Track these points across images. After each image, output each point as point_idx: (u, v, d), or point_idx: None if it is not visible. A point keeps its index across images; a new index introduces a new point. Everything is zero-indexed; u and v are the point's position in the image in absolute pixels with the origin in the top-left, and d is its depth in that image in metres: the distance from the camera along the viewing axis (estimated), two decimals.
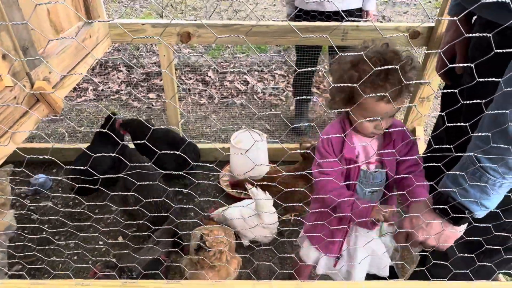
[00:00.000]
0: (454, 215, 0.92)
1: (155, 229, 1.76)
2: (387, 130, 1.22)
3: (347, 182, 1.28)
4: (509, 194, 0.87)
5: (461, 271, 1.08)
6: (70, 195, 2.45)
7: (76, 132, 3.14)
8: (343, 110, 1.07)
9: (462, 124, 0.81)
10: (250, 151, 2.34)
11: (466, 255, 1.15)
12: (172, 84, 2.43)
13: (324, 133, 1.32)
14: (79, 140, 3.06)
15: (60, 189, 2.55)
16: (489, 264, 1.13)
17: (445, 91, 1.42)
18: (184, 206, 2.33)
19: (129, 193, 1.80)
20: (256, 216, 1.92)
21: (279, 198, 1.49)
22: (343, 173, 1.29)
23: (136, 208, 1.75)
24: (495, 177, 0.81)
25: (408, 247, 1.11)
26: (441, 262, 1.21)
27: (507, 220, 0.98)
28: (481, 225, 0.94)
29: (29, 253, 1.97)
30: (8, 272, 1.63)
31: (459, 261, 1.28)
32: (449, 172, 0.91)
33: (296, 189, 1.28)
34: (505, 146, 0.75)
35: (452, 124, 0.83)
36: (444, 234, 0.98)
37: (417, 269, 1.17)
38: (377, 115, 1.12)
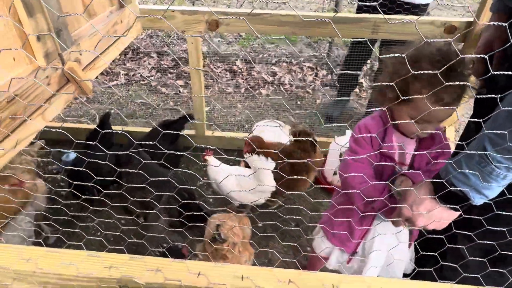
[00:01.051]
0: (454, 206, 0.94)
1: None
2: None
3: (378, 182, 1.22)
4: None
5: (472, 275, 1.04)
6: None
7: None
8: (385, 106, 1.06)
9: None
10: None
11: (479, 259, 1.11)
12: (198, 71, 2.46)
13: (362, 124, 1.28)
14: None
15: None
16: (504, 271, 1.08)
17: (479, 96, 1.34)
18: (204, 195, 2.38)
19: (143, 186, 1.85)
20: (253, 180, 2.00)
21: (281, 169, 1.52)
22: (377, 170, 1.24)
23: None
24: (500, 168, 0.81)
25: None
26: (451, 264, 1.18)
27: None
28: (498, 229, 0.91)
29: (56, 225, 2.08)
30: (34, 241, 1.73)
31: (472, 265, 1.24)
32: (454, 158, 0.91)
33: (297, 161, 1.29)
34: None
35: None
36: (442, 218, 1.00)
37: (424, 269, 1.13)
38: (427, 117, 1.03)
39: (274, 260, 2.03)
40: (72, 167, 2.28)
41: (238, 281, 0.73)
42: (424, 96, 0.90)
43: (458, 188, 0.89)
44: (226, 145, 2.79)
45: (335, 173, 2.41)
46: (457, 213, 0.98)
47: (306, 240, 2.12)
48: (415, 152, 1.21)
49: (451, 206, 0.95)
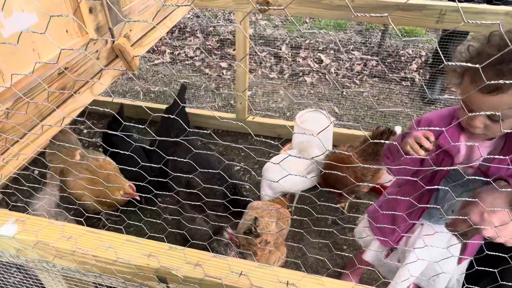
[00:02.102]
0: None
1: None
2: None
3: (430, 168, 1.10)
4: None
5: None
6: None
7: (150, 92, 3.30)
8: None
9: None
10: (314, 132, 2.24)
11: None
12: (244, 54, 2.39)
13: (425, 117, 1.19)
14: (152, 100, 3.21)
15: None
16: None
17: None
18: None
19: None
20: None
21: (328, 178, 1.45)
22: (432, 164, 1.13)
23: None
24: None
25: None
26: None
27: None
28: None
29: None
30: (68, 216, 1.79)
31: None
32: None
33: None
34: None
35: None
36: None
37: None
38: (472, 105, 0.94)
39: (308, 257, 1.96)
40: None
41: (283, 287, 0.66)
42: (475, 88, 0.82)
43: None
44: (267, 132, 2.73)
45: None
46: None
47: (343, 240, 2.03)
48: (498, 157, 1.03)
49: None
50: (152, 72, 3.56)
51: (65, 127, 1.93)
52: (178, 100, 2.56)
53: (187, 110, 2.75)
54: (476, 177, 1.04)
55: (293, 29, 4.17)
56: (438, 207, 1.11)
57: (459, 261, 1.31)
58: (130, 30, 1.53)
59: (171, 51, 3.86)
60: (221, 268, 0.69)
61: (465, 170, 1.11)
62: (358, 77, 3.47)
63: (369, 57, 3.36)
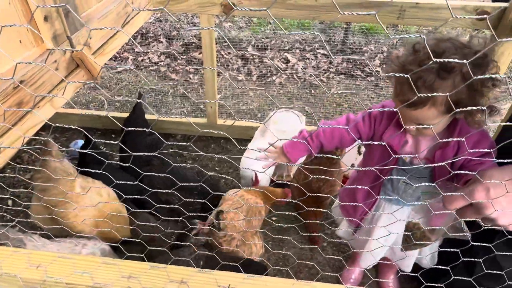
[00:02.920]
0: None
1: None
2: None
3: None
4: None
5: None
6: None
7: (115, 101, 3.18)
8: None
9: None
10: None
11: None
12: (211, 58, 2.36)
13: (375, 114, 1.24)
14: (117, 109, 3.09)
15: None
16: None
17: None
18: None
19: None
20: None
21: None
22: (379, 156, 1.25)
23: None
24: None
25: (425, 234, 1.00)
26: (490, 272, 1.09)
27: None
28: None
29: None
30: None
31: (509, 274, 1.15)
32: None
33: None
34: None
35: None
36: None
37: (464, 278, 1.02)
38: (402, 116, 1.00)
39: (291, 252, 1.96)
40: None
41: None
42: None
43: None
44: (238, 135, 2.70)
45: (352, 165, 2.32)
46: None
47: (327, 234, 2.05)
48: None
49: None
50: (116, 80, 3.44)
51: (55, 150, 1.71)
52: (140, 109, 2.47)
53: (159, 117, 2.67)
54: (424, 166, 1.11)
55: (258, 31, 4.17)
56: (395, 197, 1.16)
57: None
58: (90, 38, 1.46)
59: (134, 57, 3.74)
60: (208, 283, 0.65)
61: (412, 160, 1.18)
62: (325, 74, 3.53)
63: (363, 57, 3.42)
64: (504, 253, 1.05)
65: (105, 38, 1.60)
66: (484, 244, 0.95)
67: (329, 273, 1.86)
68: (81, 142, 2.59)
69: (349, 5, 1.97)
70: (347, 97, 3.25)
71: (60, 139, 2.73)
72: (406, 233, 1.09)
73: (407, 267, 1.46)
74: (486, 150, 0.94)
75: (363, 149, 2.13)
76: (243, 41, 3.89)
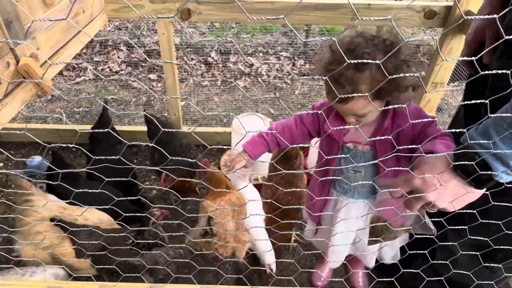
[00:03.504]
0: (480, 174, 0.75)
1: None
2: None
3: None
4: None
5: (465, 272, 0.99)
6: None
7: (75, 113, 3.06)
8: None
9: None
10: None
11: (471, 253, 1.07)
12: (172, 64, 2.32)
13: (320, 103, 1.33)
14: (77, 122, 2.97)
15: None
16: (499, 267, 1.03)
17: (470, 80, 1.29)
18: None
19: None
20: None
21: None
22: (323, 146, 1.34)
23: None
24: None
25: (388, 228, 1.04)
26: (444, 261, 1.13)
27: None
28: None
29: None
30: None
31: (466, 262, 1.20)
32: (480, 123, 0.77)
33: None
34: None
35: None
36: (460, 197, 0.83)
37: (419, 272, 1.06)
38: (342, 112, 1.10)
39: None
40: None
41: None
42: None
43: (482, 157, 0.74)
44: (205, 141, 2.67)
45: None
46: (477, 193, 0.83)
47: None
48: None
49: (481, 175, 0.77)
50: (75, 92, 3.31)
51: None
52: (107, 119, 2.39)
53: (119, 128, 2.60)
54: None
55: (221, 35, 4.17)
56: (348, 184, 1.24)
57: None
58: (38, 49, 1.39)
59: (94, 67, 3.63)
60: None
61: (355, 147, 1.24)
62: (289, 76, 3.57)
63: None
64: (454, 242, 1.10)
65: (55, 49, 1.53)
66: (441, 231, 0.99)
67: (302, 270, 1.87)
68: (38, 158, 2.47)
69: (304, 8, 2.01)
70: (311, 98, 3.31)
71: (16, 156, 2.59)
72: (371, 225, 1.11)
73: (369, 263, 1.50)
74: (427, 120, 1.00)
75: None
76: (206, 47, 3.86)
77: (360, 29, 1.05)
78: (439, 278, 1.17)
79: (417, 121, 0.81)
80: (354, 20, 2.04)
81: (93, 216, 1.62)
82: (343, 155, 1.23)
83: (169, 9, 2.01)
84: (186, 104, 3.19)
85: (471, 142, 0.75)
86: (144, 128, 2.77)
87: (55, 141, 2.66)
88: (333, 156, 1.25)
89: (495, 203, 0.86)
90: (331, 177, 1.30)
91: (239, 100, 3.26)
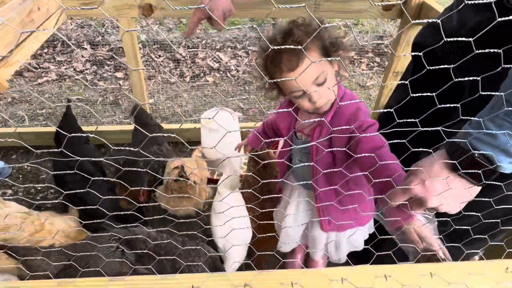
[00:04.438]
0: (485, 170, 0.72)
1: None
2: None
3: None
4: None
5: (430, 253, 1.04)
6: (32, 184, 2.32)
7: (38, 115, 2.95)
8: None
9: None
10: (221, 131, 2.25)
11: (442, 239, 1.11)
12: (136, 61, 2.28)
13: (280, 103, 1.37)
14: (40, 124, 2.87)
15: (21, 176, 2.40)
16: (471, 250, 1.07)
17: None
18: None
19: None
20: None
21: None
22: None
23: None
24: None
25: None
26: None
27: (498, 207, 0.89)
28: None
29: None
30: None
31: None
32: (473, 118, 0.73)
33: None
34: None
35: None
36: (460, 195, 0.79)
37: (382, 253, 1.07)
38: (294, 89, 1.06)
39: None
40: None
41: None
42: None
43: (481, 152, 0.71)
44: (175, 138, 2.66)
45: None
46: (478, 188, 0.79)
47: None
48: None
49: (481, 171, 0.74)
50: (37, 93, 3.19)
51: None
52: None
53: (85, 128, 2.53)
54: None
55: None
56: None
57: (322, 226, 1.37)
58: None
59: (57, 66, 3.51)
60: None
61: (300, 137, 1.27)
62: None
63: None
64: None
65: (9, 48, 1.48)
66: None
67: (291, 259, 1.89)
68: (1, 164, 2.38)
69: (267, 1, 2.03)
70: None
71: None
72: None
73: (316, 255, 1.49)
74: (365, 120, 1.03)
75: None
76: (174, 43, 3.82)
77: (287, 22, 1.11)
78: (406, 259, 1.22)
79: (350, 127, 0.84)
80: (316, 12, 2.08)
81: (59, 223, 1.57)
82: (296, 144, 1.29)
83: (130, 5, 1.98)
84: (155, 102, 3.15)
85: (470, 138, 0.71)
86: (112, 127, 2.73)
87: (17, 144, 2.56)
88: (290, 149, 1.31)
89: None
90: (286, 162, 1.36)
91: (209, 95, 3.25)
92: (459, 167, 0.75)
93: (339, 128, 0.93)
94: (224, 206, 1.58)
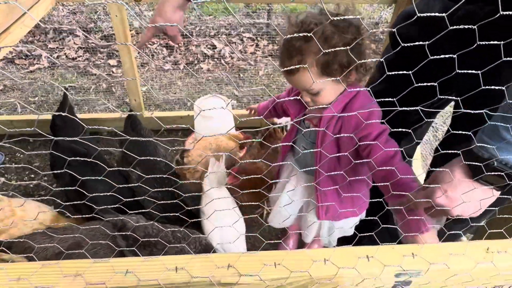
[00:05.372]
0: (507, 174, 0.73)
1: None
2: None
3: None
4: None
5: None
6: (26, 171, 2.32)
7: (30, 102, 2.93)
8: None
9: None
10: (215, 118, 2.24)
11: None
12: (128, 48, 2.26)
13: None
14: (33, 112, 2.85)
15: (14, 163, 2.39)
16: (457, 231, 1.08)
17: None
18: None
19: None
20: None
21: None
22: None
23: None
24: None
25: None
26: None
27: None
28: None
29: None
30: None
31: None
32: (483, 126, 0.75)
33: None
34: None
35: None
36: (484, 202, 0.82)
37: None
38: (296, 87, 1.13)
39: None
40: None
41: (172, 274, 0.66)
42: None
43: (502, 161, 0.72)
44: (169, 125, 2.65)
45: None
46: (498, 193, 0.81)
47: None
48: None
49: (494, 183, 0.76)
50: (29, 80, 3.16)
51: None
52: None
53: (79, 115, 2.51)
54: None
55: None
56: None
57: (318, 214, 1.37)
58: None
59: (49, 54, 3.46)
60: (104, 272, 0.65)
61: (308, 124, 1.28)
62: (252, 58, 3.56)
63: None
64: None
65: None
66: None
67: (272, 241, 1.92)
68: None
69: None
70: (275, 78, 3.33)
71: None
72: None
73: (307, 238, 1.51)
74: (374, 124, 1.01)
75: None
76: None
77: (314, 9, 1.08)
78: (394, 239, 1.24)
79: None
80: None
81: (32, 209, 1.55)
82: (301, 130, 1.30)
83: None
84: (148, 89, 3.13)
85: (484, 147, 0.73)
86: (106, 115, 2.71)
87: (9, 133, 2.54)
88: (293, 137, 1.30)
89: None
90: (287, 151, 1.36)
91: (203, 83, 3.23)
92: (484, 178, 0.77)
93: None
94: (212, 207, 1.58)
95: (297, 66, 0.98)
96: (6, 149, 2.49)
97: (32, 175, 2.29)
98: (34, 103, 2.92)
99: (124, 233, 1.36)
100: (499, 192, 0.81)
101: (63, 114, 1.77)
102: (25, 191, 2.19)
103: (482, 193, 0.79)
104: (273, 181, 1.45)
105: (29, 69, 3.27)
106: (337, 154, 1.14)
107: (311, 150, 1.24)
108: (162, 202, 1.69)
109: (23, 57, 3.41)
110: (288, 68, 0.98)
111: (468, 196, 0.79)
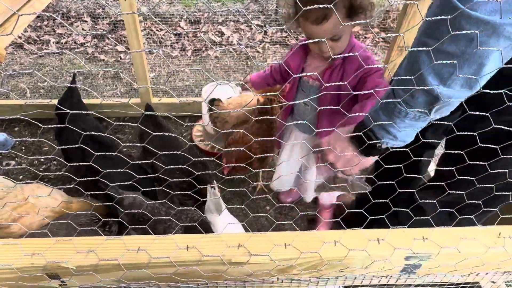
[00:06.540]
0: (370, 142, 0.88)
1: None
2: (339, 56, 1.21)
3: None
4: None
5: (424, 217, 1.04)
6: (35, 156, 2.34)
7: (39, 88, 2.95)
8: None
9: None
10: None
11: (441, 209, 1.12)
12: (136, 34, 2.25)
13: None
14: (42, 96, 2.87)
15: (23, 148, 2.42)
16: (465, 219, 1.08)
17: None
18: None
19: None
20: None
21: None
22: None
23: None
24: (401, 105, 0.79)
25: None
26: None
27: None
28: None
29: None
30: None
31: (434, 217, 1.26)
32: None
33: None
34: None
35: None
36: (352, 161, 0.97)
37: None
38: (313, 36, 1.16)
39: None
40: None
41: (183, 252, 0.66)
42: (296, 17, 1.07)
43: (369, 127, 0.86)
44: (176, 112, 2.65)
45: None
46: (370, 161, 0.96)
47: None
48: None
49: (369, 144, 0.89)
50: (38, 66, 3.17)
51: None
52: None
53: (86, 101, 2.52)
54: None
55: (190, 4, 4.03)
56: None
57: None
58: None
59: (57, 39, 3.47)
60: (116, 249, 0.65)
61: (307, 80, 1.37)
62: (261, 45, 3.53)
63: None
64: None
65: (5, 16, 1.46)
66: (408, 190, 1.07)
67: (283, 222, 1.93)
68: (2, 135, 2.39)
69: None
70: None
71: None
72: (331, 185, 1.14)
73: (308, 198, 1.69)
74: (374, 66, 1.08)
75: None
76: (175, 16, 3.74)
77: None
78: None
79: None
80: None
81: (44, 197, 1.56)
82: (303, 87, 1.37)
83: None
84: (156, 75, 3.12)
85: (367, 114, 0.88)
86: (113, 101, 2.71)
87: (18, 117, 2.57)
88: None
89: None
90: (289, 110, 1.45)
91: (210, 70, 3.22)
92: (357, 141, 0.92)
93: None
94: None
95: (328, 6, 0.99)
96: (16, 133, 2.52)
97: (42, 160, 2.32)
98: (43, 88, 2.94)
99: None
100: (370, 158, 0.95)
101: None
102: (35, 175, 2.21)
103: (350, 151, 0.94)
104: (257, 156, 1.46)
105: (37, 54, 3.28)
106: (339, 93, 1.24)
107: (315, 96, 1.32)
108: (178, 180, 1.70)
109: (32, 42, 3.42)
110: (317, 15, 1.04)
111: (340, 150, 0.95)
